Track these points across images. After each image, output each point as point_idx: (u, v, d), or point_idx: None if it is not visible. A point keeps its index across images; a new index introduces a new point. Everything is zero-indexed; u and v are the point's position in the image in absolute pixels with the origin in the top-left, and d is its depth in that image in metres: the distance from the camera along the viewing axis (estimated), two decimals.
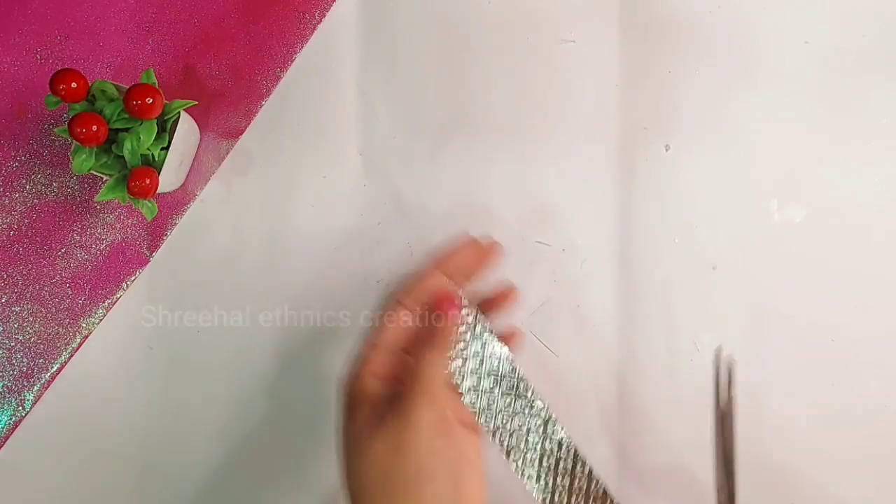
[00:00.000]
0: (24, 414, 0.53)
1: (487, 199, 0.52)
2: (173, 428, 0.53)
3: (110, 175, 0.48)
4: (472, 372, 0.43)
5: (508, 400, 0.42)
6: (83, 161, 0.47)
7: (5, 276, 0.53)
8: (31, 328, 0.53)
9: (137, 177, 0.46)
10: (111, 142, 0.47)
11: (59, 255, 0.53)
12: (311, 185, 0.53)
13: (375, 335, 0.42)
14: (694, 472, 0.50)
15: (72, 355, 0.53)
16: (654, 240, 0.52)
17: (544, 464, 0.42)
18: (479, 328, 0.43)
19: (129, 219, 0.54)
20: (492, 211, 0.52)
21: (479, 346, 0.43)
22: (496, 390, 0.42)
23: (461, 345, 0.43)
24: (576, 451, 0.41)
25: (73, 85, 0.46)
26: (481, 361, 0.43)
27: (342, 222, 0.53)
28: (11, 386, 0.53)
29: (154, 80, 0.48)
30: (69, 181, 0.53)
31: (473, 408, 0.42)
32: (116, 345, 0.53)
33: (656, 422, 0.50)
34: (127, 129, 0.47)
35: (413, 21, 0.54)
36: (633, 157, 0.52)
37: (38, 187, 0.53)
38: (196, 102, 0.49)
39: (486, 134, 0.53)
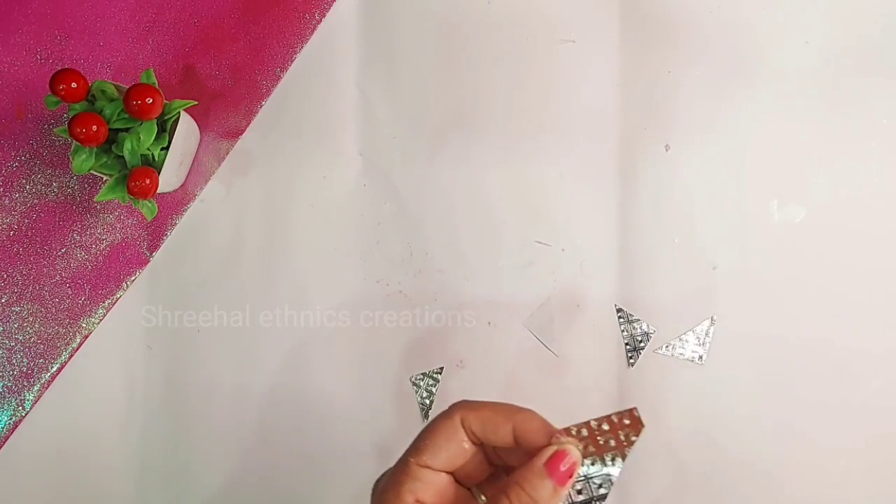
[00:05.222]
0: (24, 414, 0.53)
1: (487, 199, 0.52)
2: (173, 428, 0.53)
3: (110, 175, 0.48)
4: None
5: None
6: (83, 161, 0.47)
7: (5, 276, 0.53)
8: (31, 328, 0.53)
9: (137, 177, 0.46)
10: (111, 142, 0.47)
11: (59, 255, 0.53)
12: (311, 185, 0.53)
13: (424, 453, 0.35)
14: (695, 471, 0.50)
15: (72, 355, 0.53)
16: (654, 240, 0.52)
17: None
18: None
19: (129, 219, 0.54)
20: (492, 211, 0.52)
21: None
22: None
23: None
24: None
25: (73, 85, 0.46)
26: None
27: (342, 222, 0.53)
28: (11, 386, 0.53)
29: (154, 80, 0.48)
30: (69, 181, 0.53)
31: None
32: (116, 345, 0.53)
33: (657, 422, 0.50)
34: (127, 129, 0.47)
35: (413, 21, 0.54)
36: (633, 157, 0.52)
37: (38, 187, 0.53)
38: (196, 102, 0.49)
39: (485, 134, 0.53)
